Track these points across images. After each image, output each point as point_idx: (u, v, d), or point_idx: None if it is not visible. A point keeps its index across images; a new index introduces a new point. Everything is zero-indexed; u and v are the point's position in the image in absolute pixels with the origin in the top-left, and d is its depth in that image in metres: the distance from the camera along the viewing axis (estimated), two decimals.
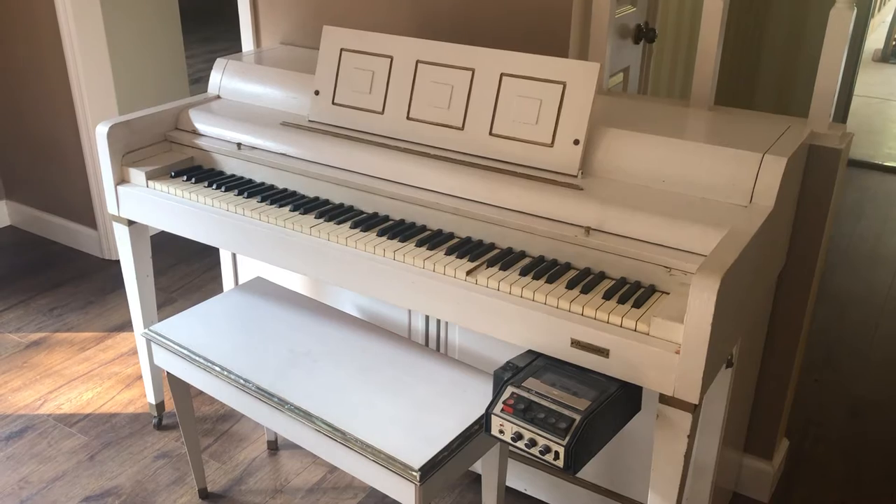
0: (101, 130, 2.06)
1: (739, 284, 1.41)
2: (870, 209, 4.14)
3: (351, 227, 1.77)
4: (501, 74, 1.78)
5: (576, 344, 1.45)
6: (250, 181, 2.03)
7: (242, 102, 2.26)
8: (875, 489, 2.24)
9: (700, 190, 1.61)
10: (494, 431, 1.45)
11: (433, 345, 2.13)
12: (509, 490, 2.10)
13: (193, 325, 1.97)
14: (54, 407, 2.53)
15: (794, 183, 1.77)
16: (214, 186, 2.00)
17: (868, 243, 3.74)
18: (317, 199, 1.92)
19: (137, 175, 2.07)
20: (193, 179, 2.04)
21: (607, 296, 1.47)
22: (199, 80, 5.72)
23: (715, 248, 1.39)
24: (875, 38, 7.62)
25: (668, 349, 1.36)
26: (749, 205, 1.56)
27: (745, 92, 4.66)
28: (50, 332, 2.92)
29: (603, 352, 1.42)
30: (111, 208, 2.13)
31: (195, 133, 2.17)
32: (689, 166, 1.63)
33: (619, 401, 1.45)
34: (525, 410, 1.41)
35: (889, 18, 7.89)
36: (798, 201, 1.87)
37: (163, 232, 3.29)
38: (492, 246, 1.68)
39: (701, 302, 1.30)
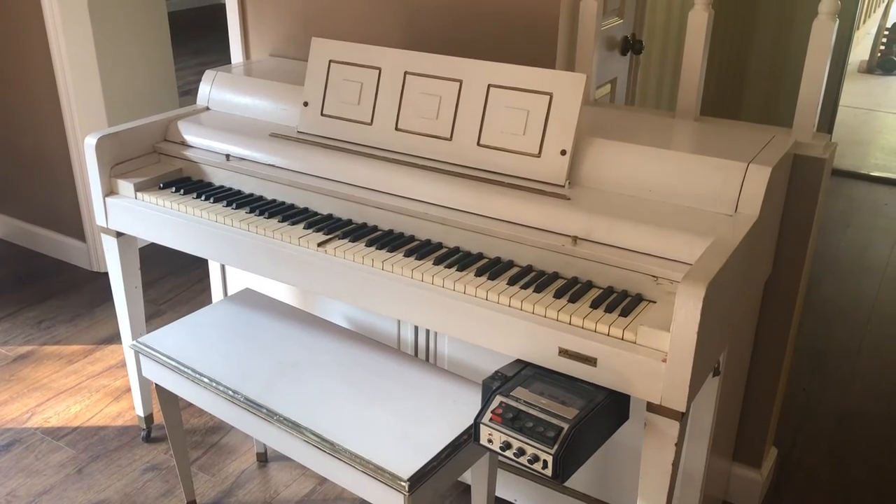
0: (90, 142, 2.06)
1: (725, 293, 1.43)
2: (856, 219, 4.18)
3: (340, 238, 1.78)
4: (489, 85, 1.79)
5: (564, 353, 1.46)
6: (239, 192, 2.03)
7: (231, 114, 2.26)
8: (863, 497, 2.25)
9: (686, 199, 1.63)
10: (483, 441, 1.46)
11: (422, 355, 2.13)
12: (499, 500, 2.10)
13: (182, 336, 1.97)
14: (42, 420, 2.51)
15: (779, 192, 1.78)
16: (203, 198, 2.00)
17: (855, 252, 3.77)
18: (306, 209, 1.93)
19: (126, 187, 2.07)
20: (182, 191, 2.04)
21: (595, 305, 1.48)
22: (188, 92, 5.73)
23: (700, 256, 1.40)
24: (860, 50, 7.70)
25: (655, 357, 1.36)
26: (734, 214, 1.57)
27: (731, 103, 4.70)
28: (38, 345, 2.91)
29: (590, 360, 1.43)
30: (100, 220, 2.13)
31: (184, 144, 2.17)
32: (675, 176, 1.64)
33: (607, 409, 1.45)
34: (513, 419, 1.42)
35: (874, 30, 7.98)
36: (783, 210, 1.88)
37: (151, 244, 3.29)
38: (480, 255, 1.69)
39: (687, 310, 1.31)
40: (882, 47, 7.58)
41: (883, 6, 8.73)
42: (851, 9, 4.40)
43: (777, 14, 4.53)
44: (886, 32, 7.63)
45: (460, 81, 1.83)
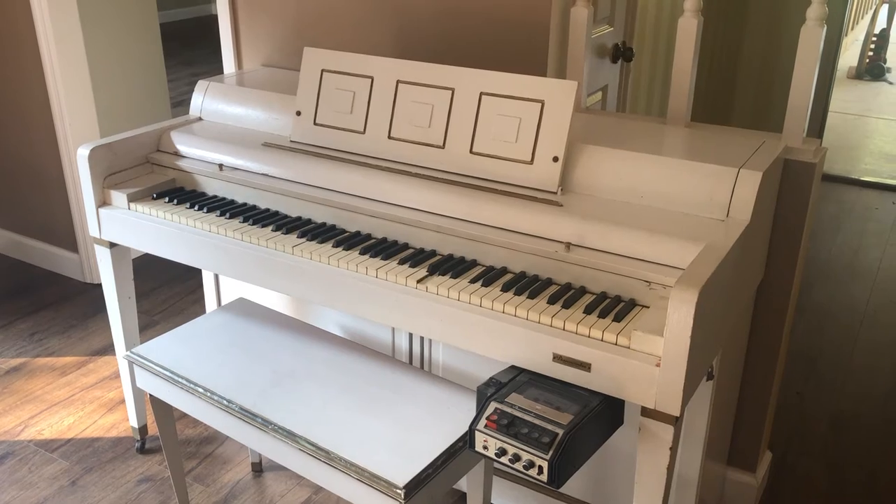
0: (83, 153, 2.06)
1: (718, 297, 1.43)
2: (847, 223, 4.20)
3: (333, 247, 1.78)
4: (481, 93, 1.80)
5: (558, 359, 1.46)
6: (232, 202, 2.04)
7: (224, 124, 2.27)
8: (857, 501, 2.26)
9: (678, 205, 1.64)
10: (478, 447, 1.46)
11: (417, 363, 2.13)
12: None
13: (176, 346, 1.96)
14: (35, 433, 2.50)
15: (770, 197, 1.80)
16: (196, 208, 2.00)
17: (846, 257, 3.79)
18: (299, 218, 1.93)
19: (119, 197, 2.07)
20: (175, 201, 2.04)
21: (588, 310, 1.49)
22: (181, 103, 5.73)
23: (692, 261, 1.41)
24: (849, 56, 7.75)
25: (649, 362, 1.37)
26: (726, 219, 1.58)
27: (722, 109, 4.73)
28: (30, 358, 2.89)
29: (585, 366, 1.44)
30: (93, 231, 2.13)
31: (177, 155, 2.17)
32: (666, 182, 1.65)
33: (602, 415, 1.46)
34: (508, 426, 1.42)
35: (862, 37, 8.04)
36: (775, 215, 1.89)
37: (145, 255, 3.28)
38: (474, 262, 1.70)
39: (680, 315, 1.31)
40: (870, 53, 7.63)
41: (871, 13, 8.80)
42: (840, 15, 4.43)
43: (767, 20, 4.56)
44: (874, 39, 7.69)
45: (452, 90, 1.83)
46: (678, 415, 1.37)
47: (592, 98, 2.53)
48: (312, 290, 1.76)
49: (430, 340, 2.08)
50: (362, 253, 1.74)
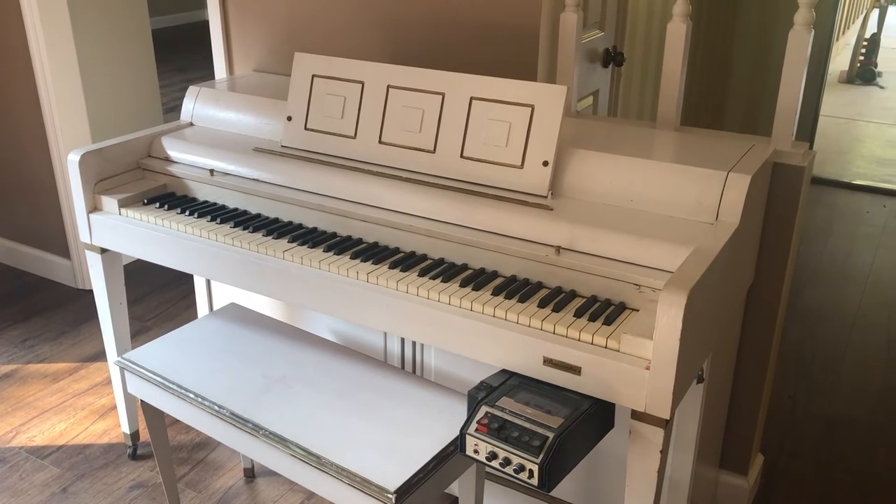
0: (73, 158, 2.05)
1: (707, 300, 1.44)
2: (839, 227, 4.22)
3: (324, 251, 1.78)
4: (471, 98, 1.81)
5: (548, 362, 1.46)
6: (223, 207, 2.04)
7: (215, 129, 2.27)
8: (850, 502, 2.26)
9: (667, 208, 1.64)
10: (469, 451, 1.46)
11: (409, 367, 2.13)
12: None
13: (167, 352, 1.96)
14: (26, 439, 2.49)
15: (760, 200, 1.80)
16: (187, 213, 2.00)
17: (837, 260, 3.80)
18: (290, 223, 1.93)
19: (110, 203, 2.07)
20: (166, 206, 2.04)
21: (578, 314, 1.49)
22: (173, 109, 5.73)
23: (681, 264, 1.42)
24: (840, 61, 7.80)
25: (639, 365, 1.37)
26: (715, 222, 1.59)
27: (714, 113, 4.75)
28: (22, 364, 2.88)
29: (575, 369, 1.44)
30: (84, 236, 2.12)
31: (168, 160, 2.17)
32: (655, 185, 1.66)
33: (592, 418, 1.46)
34: (499, 430, 1.42)
35: (853, 41, 8.08)
36: (764, 218, 1.90)
37: (137, 261, 3.27)
38: (464, 267, 1.70)
39: (669, 318, 1.32)
40: (861, 58, 7.68)
41: (861, 17, 8.85)
42: (830, 20, 4.46)
43: (756, 25, 4.59)
44: (865, 43, 7.73)
45: (443, 94, 1.84)
46: (668, 418, 1.38)
47: (583, 102, 2.54)
48: (303, 295, 1.76)
49: (422, 345, 2.08)
50: (353, 257, 1.74)
